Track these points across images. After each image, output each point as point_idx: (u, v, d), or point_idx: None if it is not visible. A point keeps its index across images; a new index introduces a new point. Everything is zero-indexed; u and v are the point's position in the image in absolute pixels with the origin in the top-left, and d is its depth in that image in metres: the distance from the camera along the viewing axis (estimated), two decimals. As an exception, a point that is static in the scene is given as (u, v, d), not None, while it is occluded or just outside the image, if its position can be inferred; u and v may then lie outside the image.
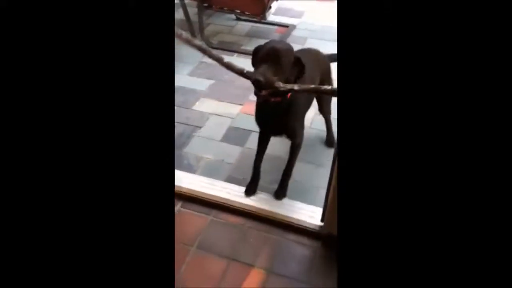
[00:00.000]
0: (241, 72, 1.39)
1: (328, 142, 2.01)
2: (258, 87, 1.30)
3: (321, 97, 1.82)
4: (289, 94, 1.43)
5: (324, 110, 1.91)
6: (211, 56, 1.45)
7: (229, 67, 1.39)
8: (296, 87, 1.32)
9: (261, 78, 1.27)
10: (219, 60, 1.41)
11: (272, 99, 1.42)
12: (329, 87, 1.37)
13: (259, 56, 1.35)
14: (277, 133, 1.66)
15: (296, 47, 2.90)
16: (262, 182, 1.79)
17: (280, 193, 1.68)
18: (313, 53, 1.78)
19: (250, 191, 1.68)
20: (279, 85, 1.30)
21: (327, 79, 1.78)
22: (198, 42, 1.45)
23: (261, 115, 1.58)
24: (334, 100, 1.92)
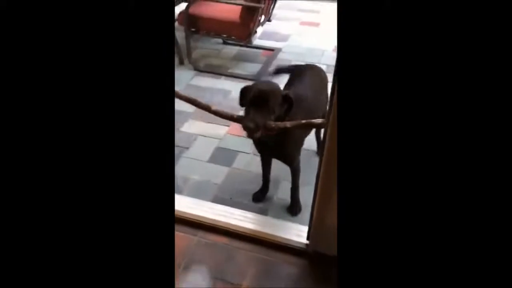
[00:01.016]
0: (231, 117, 1.45)
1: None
2: (249, 132, 1.36)
3: None
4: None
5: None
6: (199, 106, 1.53)
7: (219, 113, 1.47)
8: (288, 124, 1.40)
9: (251, 125, 1.34)
10: (208, 109, 1.49)
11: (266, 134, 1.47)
12: (320, 120, 1.43)
13: (248, 99, 1.41)
14: (276, 157, 1.71)
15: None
16: (246, 201, 1.82)
17: (294, 209, 1.76)
18: (317, 69, 1.90)
19: (259, 198, 1.82)
20: (271, 125, 1.38)
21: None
22: (183, 93, 1.54)
23: (258, 144, 1.63)
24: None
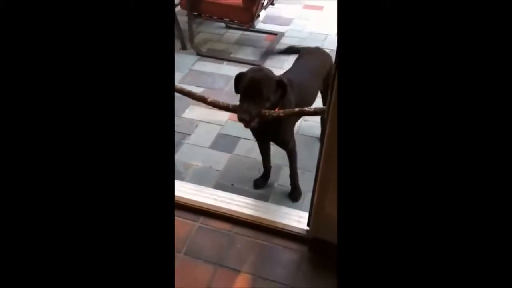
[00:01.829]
0: (227, 108, 1.45)
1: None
2: (245, 124, 1.39)
3: (325, 92, 1.87)
4: (277, 109, 1.48)
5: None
6: (195, 98, 1.52)
7: (214, 104, 1.47)
8: (281, 113, 1.41)
9: (246, 117, 1.36)
10: (204, 100, 1.49)
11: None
12: (313, 109, 1.42)
13: (241, 88, 1.41)
14: (270, 140, 1.73)
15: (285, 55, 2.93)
16: (248, 187, 1.82)
17: (294, 195, 1.77)
18: (320, 52, 1.90)
19: (260, 185, 1.83)
20: (265, 114, 1.39)
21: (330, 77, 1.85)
22: (180, 86, 1.53)
23: (253, 130, 1.65)
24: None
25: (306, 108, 1.46)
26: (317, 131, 2.12)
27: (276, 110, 1.45)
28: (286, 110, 1.44)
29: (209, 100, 1.48)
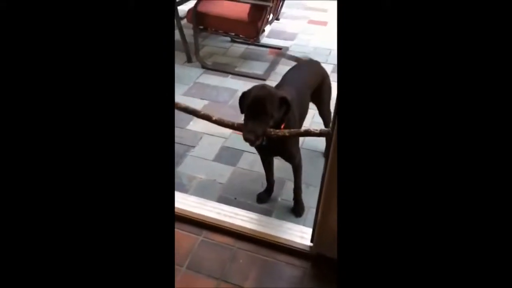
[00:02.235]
0: (232, 126, 1.46)
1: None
2: (250, 143, 1.39)
3: (320, 102, 1.89)
4: (283, 125, 1.48)
5: (323, 114, 1.96)
6: (200, 116, 1.53)
7: (220, 123, 1.48)
8: (287, 133, 1.41)
9: (251, 137, 1.36)
10: (209, 119, 1.49)
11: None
12: (318, 130, 1.43)
13: (246, 106, 1.41)
14: (276, 155, 1.72)
15: (288, 68, 2.97)
16: (251, 201, 1.82)
17: (297, 210, 1.77)
18: (311, 64, 1.91)
19: (263, 199, 1.83)
20: (270, 133, 1.39)
21: (325, 86, 1.87)
22: (184, 104, 1.53)
23: (258, 145, 1.64)
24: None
25: (311, 129, 1.46)
26: (321, 145, 2.12)
27: (282, 128, 1.45)
28: (291, 130, 1.44)
29: (214, 118, 1.48)
